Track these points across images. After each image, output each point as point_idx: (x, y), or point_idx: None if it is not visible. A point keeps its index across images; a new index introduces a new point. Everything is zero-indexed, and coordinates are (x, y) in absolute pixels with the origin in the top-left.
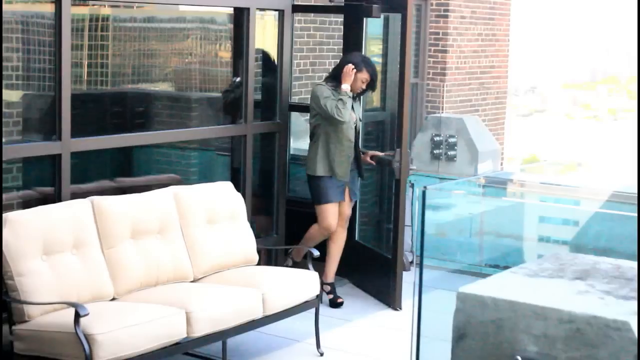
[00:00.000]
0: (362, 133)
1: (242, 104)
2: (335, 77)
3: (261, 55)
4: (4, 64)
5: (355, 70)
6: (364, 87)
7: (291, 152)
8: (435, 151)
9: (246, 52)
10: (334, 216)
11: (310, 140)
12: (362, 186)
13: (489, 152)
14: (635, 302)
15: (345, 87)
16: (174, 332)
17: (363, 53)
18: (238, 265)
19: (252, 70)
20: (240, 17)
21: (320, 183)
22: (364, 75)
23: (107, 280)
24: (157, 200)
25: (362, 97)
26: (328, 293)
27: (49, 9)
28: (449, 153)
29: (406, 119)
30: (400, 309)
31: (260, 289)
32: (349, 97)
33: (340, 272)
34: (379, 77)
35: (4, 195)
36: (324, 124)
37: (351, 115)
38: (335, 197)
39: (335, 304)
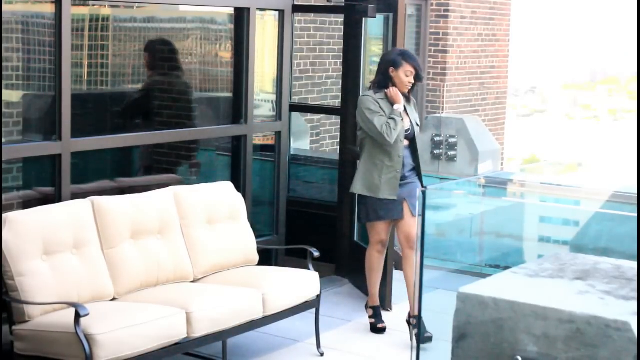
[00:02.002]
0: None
1: (241, 104)
2: (380, 84)
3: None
4: (4, 64)
5: (395, 72)
6: (411, 81)
7: (292, 152)
8: (435, 151)
9: (246, 52)
10: (384, 232)
11: (359, 154)
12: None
13: (489, 152)
14: (636, 303)
15: (398, 107)
16: (174, 332)
17: (380, 51)
18: (238, 266)
19: (252, 70)
20: (241, 17)
21: (363, 200)
22: (407, 69)
23: (107, 281)
24: (157, 200)
25: (414, 97)
26: (370, 317)
27: (49, 9)
28: (449, 153)
29: None
30: (391, 309)
31: (261, 289)
32: (401, 118)
33: (341, 272)
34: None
35: (4, 196)
36: (369, 139)
37: (403, 121)
38: (386, 215)
39: (375, 329)
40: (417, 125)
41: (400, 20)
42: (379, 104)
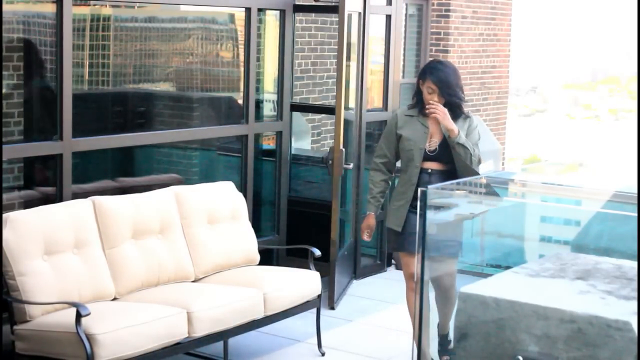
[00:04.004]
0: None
1: (243, 104)
2: (416, 97)
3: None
4: (4, 63)
5: (422, 85)
6: (434, 99)
7: (293, 151)
8: None
9: (247, 52)
10: (406, 265)
11: None
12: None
13: (490, 152)
14: (636, 302)
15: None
16: (175, 332)
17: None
18: (239, 265)
19: (253, 70)
20: (242, 17)
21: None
22: (428, 85)
23: (108, 280)
24: (158, 200)
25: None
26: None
27: (50, 9)
28: None
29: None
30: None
31: (262, 289)
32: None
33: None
34: (380, 77)
35: (5, 195)
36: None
37: (413, 139)
38: (400, 246)
39: None
40: (470, 152)
41: (340, 20)
42: (400, 123)
